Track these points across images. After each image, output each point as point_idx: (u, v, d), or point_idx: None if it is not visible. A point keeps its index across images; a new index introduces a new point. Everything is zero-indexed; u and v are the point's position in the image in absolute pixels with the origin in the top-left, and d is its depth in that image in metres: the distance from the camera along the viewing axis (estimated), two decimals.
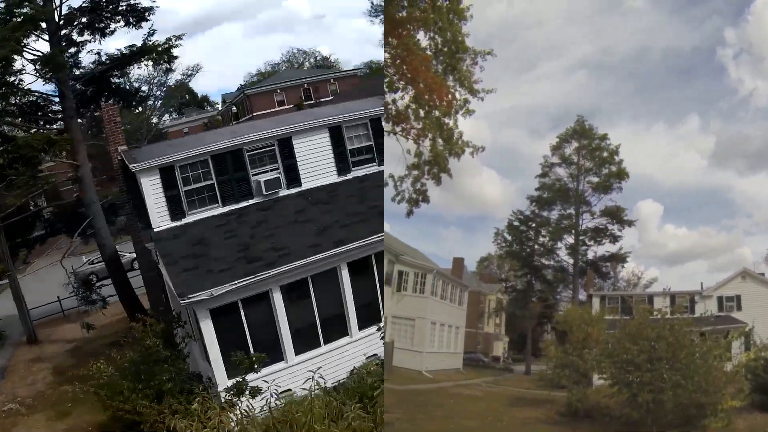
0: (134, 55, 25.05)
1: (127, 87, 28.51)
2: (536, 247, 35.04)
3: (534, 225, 34.37)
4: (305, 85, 75.78)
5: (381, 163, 19.91)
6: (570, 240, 33.60)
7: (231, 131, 20.51)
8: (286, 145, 18.41)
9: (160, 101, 47.59)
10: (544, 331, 36.32)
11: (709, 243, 47.48)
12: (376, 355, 16.71)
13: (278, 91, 75.18)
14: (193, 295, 13.88)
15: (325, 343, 16.19)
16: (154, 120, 54.41)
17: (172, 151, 17.45)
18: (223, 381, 14.47)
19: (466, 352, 33.98)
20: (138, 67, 27.26)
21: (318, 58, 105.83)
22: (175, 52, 25.15)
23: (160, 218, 16.84)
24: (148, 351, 14.12)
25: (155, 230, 16.68)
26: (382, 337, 16.09)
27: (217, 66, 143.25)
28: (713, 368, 15.60)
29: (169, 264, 15.41)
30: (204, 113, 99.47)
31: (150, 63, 26.01)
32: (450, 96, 16.20)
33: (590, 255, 33.64)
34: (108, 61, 25.20)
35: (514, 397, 23.12)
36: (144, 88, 32.01)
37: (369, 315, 16.76)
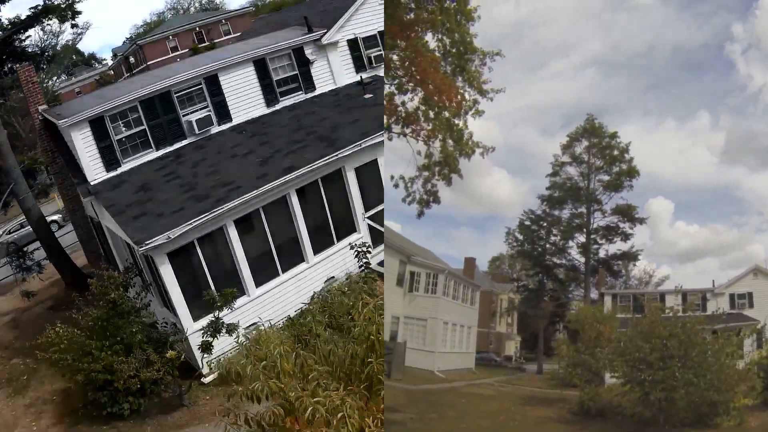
0: (38, 15, 24.33)
1: (29, 50, 27.75)
2: (548, 246, 34.99)
3: (545, 224, 34.35)
4: (197, 29, 75.51)
5: (307, 90, 20.28)
6: (581, 239, 33.52)
7: (154, 75, 20.61)
8: (213, 82, 18.51)
9: (51, 64, 47.25)
10: (556, 330, 36.23)
11: (721, 240, 47.28)
12: (333, 277, 16.90)
13: (170, 37, 74.53)
14: (151, 240, 13.67)
15: (284, 271, 16.22)
16: (48, 83, 53.68)
17: (99, 102, 17.36)
18: (189, 324, 14.34)
19: (479, 352, 33.99)
20: (41, 29, 26.57)
21: (203, 1, 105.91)
22: (78, 7, 24.45)
23: (95, 171, 16.73)
24: (112, 305, 13.57)
25: (92, 183, 16.54)
26: (356, 253, 15.91)
27: (99, 22, 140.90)
28: (725, 366, 15.58)
29: (117, 214, 15.22)
30: (94, 71, 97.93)
31: (56, 21, 25.19)
32: (459, 97, 16.27)
33: (602, 253, 33.54)
34: (10, 26, 24.33)
35: (527, 396, 23.13)
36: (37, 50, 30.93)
37: (322, 239, 16.97)
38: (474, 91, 16.63)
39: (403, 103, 14.60)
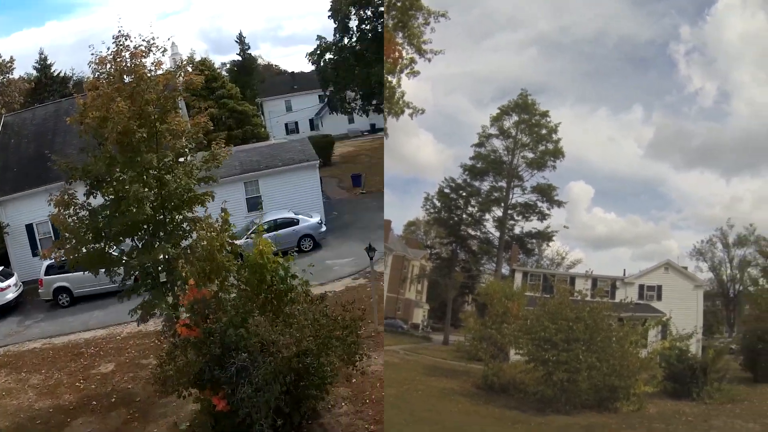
0: None
1: None
2: (464, 216, 35.46)
3: (464, 194, 34.73)
4: None
5: None
6: (498, 213, 34.13)
7: None
8: None
9: None
10: (465, 302, 36.97)
11: (637, 231, 49.32)
12: None
13: None
14: None
15: None
16: None
17: None
18: None
19: (386, 318, 34.23)
20: None
21: None
22: None
23: None
24: None
25: None
26: None
27: None
28: (628, 353, 16.34)
29: None
30: None
31: None
32: (397, 53, 16.06)
33: (517, 230, 34.26)
34: None
35: (432, 366, 23.56)
36: None
37: None
38: (413, 49, 16.44)
39: None
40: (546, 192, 32.32)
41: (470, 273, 35.36)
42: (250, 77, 72.90)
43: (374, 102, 55.04)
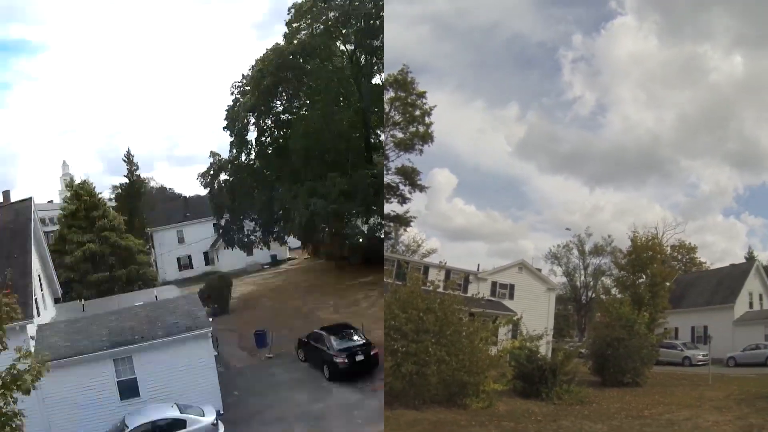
0: None
1: None
2: None
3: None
4: None
5: None
6: None
7: None
8: None
9: None
10: None
11: (495, 227, 51.44)
12: None
13: None
14: None
15: None
16: None
17: None
18: None
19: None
20: None
21: None
22: None
23: None
24: None
25: None
26: None
27: None
28: (478, 350, 16.71)
29: None
30: None
31: None
32: None
33: None
34: None
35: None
36: None
37: None
38: None
39: None
40: (410, 175, 32.50)
41: None
42: (139, 203, 63.29)
43: (276, 231, 48.25)
